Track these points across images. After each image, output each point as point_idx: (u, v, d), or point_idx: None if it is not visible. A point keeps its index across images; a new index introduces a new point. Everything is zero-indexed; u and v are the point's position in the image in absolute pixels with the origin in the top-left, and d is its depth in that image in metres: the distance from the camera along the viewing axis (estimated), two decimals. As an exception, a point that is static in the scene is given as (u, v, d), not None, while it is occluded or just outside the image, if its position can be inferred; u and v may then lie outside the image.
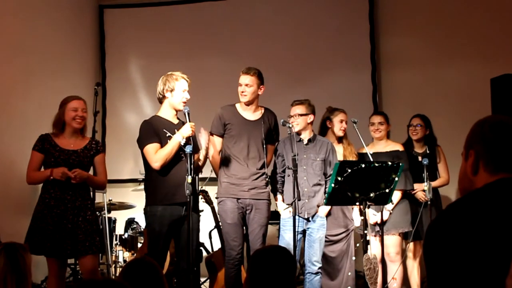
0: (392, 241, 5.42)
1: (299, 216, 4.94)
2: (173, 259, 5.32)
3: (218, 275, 5.60)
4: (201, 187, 5.66)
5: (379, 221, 5.33)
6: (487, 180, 1.60)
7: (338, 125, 5.45)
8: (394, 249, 5.44)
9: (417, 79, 7.27)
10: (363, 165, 4.47)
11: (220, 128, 5.00)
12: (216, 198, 5.02)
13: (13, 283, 2.81)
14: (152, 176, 4.67)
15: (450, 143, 5.80)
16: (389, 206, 5.35)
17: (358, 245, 5.37)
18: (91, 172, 4.70)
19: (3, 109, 5.82)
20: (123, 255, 6.11)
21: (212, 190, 6.00)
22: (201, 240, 5.31)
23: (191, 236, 4.42)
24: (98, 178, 4.71)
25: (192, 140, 4.64)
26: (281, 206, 5.05)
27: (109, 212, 6.13)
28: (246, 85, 4.93)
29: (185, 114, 4.61)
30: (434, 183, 5.63)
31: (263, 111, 5.09)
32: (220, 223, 5.88)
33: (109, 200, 6.18)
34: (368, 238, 4.71)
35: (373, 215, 5.35)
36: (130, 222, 6.47)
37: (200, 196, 5.52)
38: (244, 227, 4.96)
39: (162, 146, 4.59)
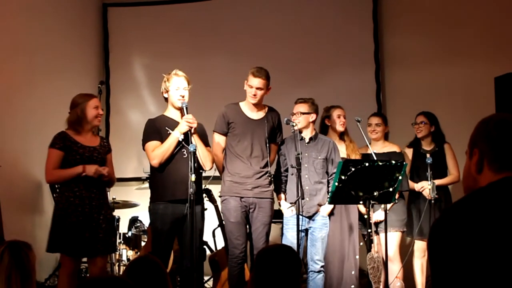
0: (390, 240, 5.41)
1: (300, 215, 4.95)
2: (177, 258, 5.33)
3: (222, 273, 5.60)
4: (205, 186, 5.65)
5: (377, 220, 5.34)
6: (491, 179, 1.60)
7: (337, 121, 5.46)
8: (392, 248, 5.44)
9: (421, 78, 7.25)
10: (366, 164, 4.47)
11: (224, 126, 5.00)
12: (220, 196, 5.02)
13: (17, 281, 2.82)
14: (155, 174, 4.70)
15: (454, 142, 5.80)
16: (387, 205, 5.35)
17: (361, 243, 5.37)
18: None
19: (6, 107, 5.82)
20: (127, 254, 6.11)
21: (215, 189, 6.00)
22: (204, 238, 5.31)
23: (195, 235, 4.43)
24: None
25: (197, 131, 4.66)
26: (284, 205, 5.06)
27: (112, 210, 6.13)
28: (258, 88, 4.92)
29: (183, 108, 4.63)
30: (443, 181, 5.62)
31: (266, 110, 5.09)
32: (223, 222, 5.90)
33: (113, 199, 6.19)
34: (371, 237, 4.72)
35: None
36: (133, 221, 6.48)
37: (204, 195, 5.51)
38: (247, 226, 4.96)
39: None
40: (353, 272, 5.28)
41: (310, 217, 5.03)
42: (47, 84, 6.50)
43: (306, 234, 5.06)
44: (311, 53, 7.52)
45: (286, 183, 5.13)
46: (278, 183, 5.12)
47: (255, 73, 4.94)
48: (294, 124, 4.96)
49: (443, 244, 1.48)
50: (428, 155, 5.54)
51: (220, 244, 6.15)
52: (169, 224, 4.60)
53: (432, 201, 5.21)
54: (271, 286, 2.69)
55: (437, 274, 1.49)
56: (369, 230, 4.69)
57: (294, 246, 4.65)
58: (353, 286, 5.27)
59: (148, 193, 4.90)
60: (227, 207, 4.90)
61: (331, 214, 5.14)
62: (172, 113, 4.79)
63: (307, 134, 5.16)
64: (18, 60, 6.10)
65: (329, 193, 4.67)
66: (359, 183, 4.48)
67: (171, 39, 7.77)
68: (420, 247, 5.64)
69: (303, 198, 4.82)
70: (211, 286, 5.81)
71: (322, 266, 5.03)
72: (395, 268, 5.42)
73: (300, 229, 4.90)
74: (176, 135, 4.57)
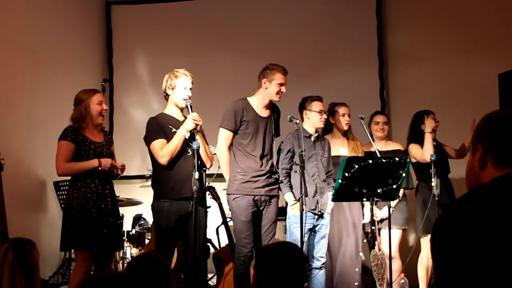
0: (392, 237, 5.41)
1: (312, 213, 4.95)
2: (181, 256, 5.33)
3: (225, 271, 5.60)
4: (208, 183, 5.65)
5: (383, 217, 5.33)
6: (494, 175, 1.59)
7: (341, 119, 5.45)
8: (394, 245, 5.43)
9: (424, 75, 7.24)
10: (370, 161, 4.46)
11: (236, 123, 4.90)
12: (229, 194, 4.94)
13: (21, 278, 2.82)
14: (159, 172, 4.69)
15: (458, 139, 5.79)
16: (392, 203, 5.35)
17: (365, 241, 5.37)
18: None
19: (10, 105, 5.84)
20: (131, 252, 6.12)
21: (219, 186, 6.01)
22: (208, 236, 5.31)
23: (198, 232, 4.43)
24: None
25: (200, 130, 4.67)
26: (291, 202, 5.02)
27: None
28: (285, 85, 4.96)
29: (187, 107, 4.62)
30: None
31: (270, 106, 5.09)
32: (227, 219, 5.90)
33: (117, 196, 6.18)
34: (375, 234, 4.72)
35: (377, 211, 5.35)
36: (137, 219, 6.49)
37: (207, 192, 5.51)
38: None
39: (168, 142, 4.61)
40: (356, 269, 5.29)
41: (322, 214, 5.04)
42: (50, 82, 6.51)
43: (311, 232, 5.06)
44: (315, 50, 7.52)
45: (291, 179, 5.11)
46: (284, 180, 5.09)
47: (284, 71, 4.97)
48: (297, 122, 4.96)
49: (446, 240, 1.48)
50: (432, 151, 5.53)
51: (224, 241, 6.15)
52: (174, 222, 4.59)
53: (436, 198, 5.19)
54: (275, 283, 2.69)
55: (440, 270, 1.49)
56: (373, 227, 4.68)
57: (300, 244, 4.66)
58: (356, 283, 5.27)
59: (151, 190, 4.89)
60: (239, 205, 4.84)
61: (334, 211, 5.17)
62: (172, 111, 4.78)
63: (314, 132, 5.17)
64: (22, 58, 6.11)
65: (333, 190, 4.66)
66: (363, 180, 4.48)
67: (175, 37, 7.78)
68: (425, 244, 5.63)
69: (306, 195, 4.82)
70: (215, 283, 5.81)
71: (323, 263, 5.04)
72: (396, 265, 5.41)
73: (309, 227, 4.92)
74: (182, 133, 4.57)
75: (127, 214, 6.53)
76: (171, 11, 7.90)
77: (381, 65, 7.38)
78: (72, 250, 5.65)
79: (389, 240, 5.06)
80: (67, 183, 5.99)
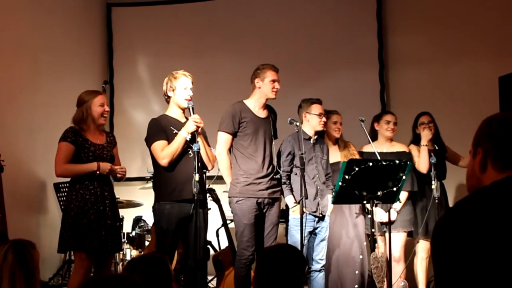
0: (397, 240, 5.41)
1: (313, 215, 4.95)
2: (181, 257, 5.33)
3: (226, 273, 5.60)
4: (208, 186, 5.65)
5: (386, 221, 5.33)
6: (495, 178, 1.59)
7: (333, 127, 5.45)
8: (399, 249, 5.43)
9: (425, 77, 7.25)
10: (370, 164, 4.46)
11: (235, 126, 4.88)
12: (230, 197, 4.90)
13: (21, 280, 2.82)
14: (160, 173, 4.68)
15: (458, 142, 5.78)
16: (397, 206, 5.35)
17: (365, 243, 5.37)
18: None
19: (11, 107, 5.84)
20: (131, 253, 6.12)
21: (219, 189, 6.00)
22: (208, 238, 5.31)
23: (199, 234, 4.43)
24: None
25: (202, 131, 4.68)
26: (292, 205, 5.02)
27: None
28: (279, 82, 4.94)
29: (189, 109, 4.63)
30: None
31: (267, 107, 5.08)
32: (227, 222, 5.90)
33: (117, 198, 6.18)
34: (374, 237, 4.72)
35: (379, 215, 5.34)
36: (137, 220, 6.49)
37: (208, 195, 5.51)
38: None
39: (169, 144, 4.61)
40: (356, 272, 5.28)
41: (323, 217, 5.04)
42: (51, 84, 6.52)
43: (311, 234, 5.06)
44: (315, 53, 7.52)
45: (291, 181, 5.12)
46: (285, 182, 5.09)
47: (274, 68, 4.97)
48: (297, 124, 4.96)
49: (447, 243, 1.48)
50: (432, 154, 5.52)
51: (224, 243, 6.15)
52: (175, 224, 4.59)
53: (436, 201, 5.19)
54: (275, 285, 2.69)
55: (440, 274, 1.49)
56: (373, 230, 4.67)
57: (300, 246, 4.66)
58: (356, 286, 5.27)
59: (152, 192, 4.89)
60: (242, 208, 4.81)
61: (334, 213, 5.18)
62: (174, 112, 4.78)
63: (313, 134, 5.17)
64: (23, 60, 6.11)
65: (333, 193, 4.66)
66: (363, 182, 4.47)
67: (175, 38, 7.78)
68: (424, 247, 5.62)
69: (307, 198, 4.82)
70: (215, 285, 5.81)
71: (323, 266, 5.04)
72: (399, 268, 5.41)
73: (309, 230, 4.92)
74: (184, 135, 4.57)
75: (127, 216, 6.53)
76: (171, 13, 7.91)
77: (381, 68, 7.38)
78: (72, 252, 5.65)
79: (389, 243, 5.05)
80: (67, 184, 6.01)
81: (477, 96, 6.79)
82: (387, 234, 5.39)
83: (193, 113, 4.60)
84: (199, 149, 4.41)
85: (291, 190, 5.03)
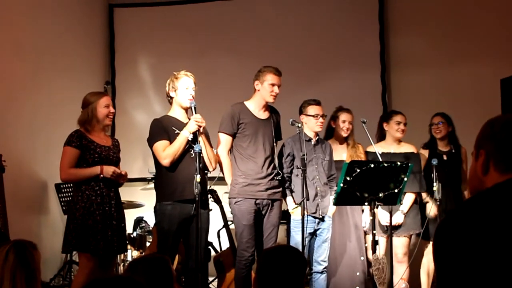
0: (401, 242, 5.41)
1: (312, 216, 4.95)
2: (182, 258, 5.33)
3: (226, 274, 5.60)
4: (210, 187, 5.65)
5: (398, 223, 5.31)
6: (497, 180, 1.59)
7: (340, 125, 5.44)
8: (402, 250, 5.43)
9: (426, 79, 7.24)
10: (372, 165, 4.46)
11: (233, 127, 4.90)
12: (230, 198, 4.92)
13: (22, 280, 2.82)
14: (162, 173, 4.69)
15: (461, 143, 5.78)
16: (405, 208, 5.33)
17: (366, 245, 5.36)
18: None
19: (12, 107, 5.84)
20: (132, 254, 6.12)
21: (220, 190, 6.00)
22: (209, 239, 5.31)
23: (200, 235, 4.43)
24: None
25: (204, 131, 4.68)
26: (291, 206, 5.03)
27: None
28: (279, 86, 4.93)
29: (191, 108, 4.63)
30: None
31: (268, 109, 5.08)
32: (228, 223, 5.89)
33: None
34: (376, 238, 4.71)
35: (384, 216, 5.32)
36: (138, 221, 6.48)
37: (209, 195, 5.50)
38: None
39: (171, 144, 4.61)
40: (358, 273, 5.28)
41: (323, 218, 5.04)
42: (53, 84, 6.52)
43: (312, 236, 5.05)
44: (317, 54, 7.52)
45: (292, 183, 5.12)
46: (285, 184, 5.09)
47: (276, 71, 4.95)
48: (299, 125, 4.96)
49: (449, 245, 1.48)
50: (445, 157, 5.51)
51: (225, 244, 6.15)
52: (176, 225, 4.59)
53: (438, 203, 5.18)
54: (276, 286, 2.68)
55: (442, 275, 1.49)
56: (374, 232, 4.67)
57: (301, 248, 4.65)
58: (357, 287, 5.27)
59: (153, 193, 4.89)
60: (241, 209, 4.82)
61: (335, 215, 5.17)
62: (177, 113, 4.79)
63: (313, 135, 5.17)
64: (24, 60, 6.11)
65: (335, 194, 4.66)
66: (365, 184, 4.47)
67: (177, 39, 7.78)
68: (430, 249, 5.60)
69: (308, 199, 4.82)
70: (216, 286, 5.81)
71: (325, 267, 5.03)
72: (402, 269, 5.40)
73: (310, 231, 4.91)
74: (185, 135, 4.57)
75: (128, 216, 6.49)
76: (173, 14, 7.91)
77: (383, 70, 7.38)
78: (74, 253, 5.66)
79: (390, 244, 5.05)
80: (69, 185, 6.02)
81: (478, 98, 6.78)
82: (394, 238, 5.38)
83: (195, 113, 4.61)
84: (201, 150, 4.41)
85: (291, 192, 5.03)
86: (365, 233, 5.40)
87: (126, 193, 6.65)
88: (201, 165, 4.42)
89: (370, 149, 5.49)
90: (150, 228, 6.27)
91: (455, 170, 5.61)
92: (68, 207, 4.76)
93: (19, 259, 2.83)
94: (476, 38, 7.01)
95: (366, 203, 4.63)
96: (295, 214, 4.97)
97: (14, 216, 5.08)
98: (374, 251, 4.67)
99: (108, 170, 4.50)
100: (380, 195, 4.53)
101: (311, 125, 5.14)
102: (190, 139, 4.57)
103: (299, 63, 7.46)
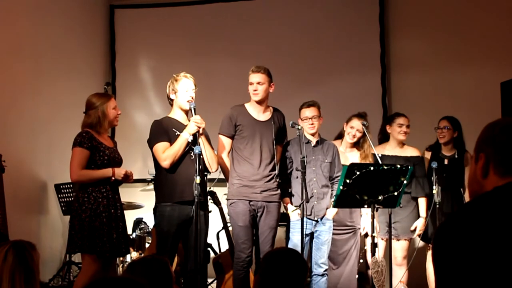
0: (400, 245, 5.41)
1: (308, 218, 4.94)
2: (181, 260, 5.33)
3: (226, 276, 5.60)
4: (209, 188, 5.65)
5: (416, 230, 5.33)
6: (497, 183, 1.59)
7: (347, 130, 5.44)
8: (401, 253, 5.43)
9: (427, 82, 7.24)
10: (371, 168, 4.45)
11: (231, 129, 4.94)
12: (227, 199, 4.96)
13: (21, 281, 2.82)
14: (161, 175, 4.70)
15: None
16: (423, 213, 5.40)
17: (365, 247, 5.36)
18: None
19: (13, 108, 5.84)
20: (131, 255, 6.12)
21: (220, 191, 6.00)
22: (208, 241, 5.30)
23: (199, 237, 4.43)
24: None
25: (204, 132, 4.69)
26: (290, 208, 5.04)
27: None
28: (258, 83, 4.91)
29: (191, 110, 4.64)
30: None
31: (272, 110, 5.08)
32: (228, 225, 5.89)
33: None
34: (376, 241, 4.70)
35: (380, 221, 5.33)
36: (138, 222, 6.48)
37: (208, 197, 5.51)
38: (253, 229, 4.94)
39: (171, 145, 4.62)
40: (356, 276, 5.28)
41: (318, 221, 5.03)
42: (53, 85, 6.52)
43: (311, 238, 5.05)
44: (317, 56, 7.52)
45: (290, 185, 5.11)
46: (284, 186, 5.09)
47: (253, 69, 4.96)
48: (299, 127, 4.95)
49: (448, 248, 1.48)
50: (446, 161, 5.50)
51: (224, 246, 6.15)
52: (176, 226, 4.60)
53: (437, 206, 5.17)
54: (276, 288, 2.69)
55: (441, 279, 1.49)
56: (373, 234, 4.67)
57: (299, 250, 4.65)
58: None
59: (152, 194, 4.89)
60: (236, 210, 4.84)
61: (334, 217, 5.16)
62: (177, 114, 4.80)
63: (314, 137, 5.16)
64: (25, 61, 6.12)
65: (334, 197, 4.65)
66: (364, 186, 4.47)
67: (177, 41, 7.79)
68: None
69: (307, 201, 4.82)
70: (215, 288, 5.81)
71: (325, 270, 5.03)
72: (401, 272, 5.40)
73: (306, 232, 4.90)
74: (185, 136, 4.58)
75: (128, 218, 6.47)
76: (174, 16, 7.91)
77: (383, 72, 7.38)
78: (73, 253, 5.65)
79: (389, 248, 5.05)
80: (69, 185, 6.03)
81: (479, 101, 6.78)
82: (394, 242, 5.38)
83: (195, 114, 4.61)
84: (201, 151, 4.42)
85: (290, 194, 5.04)
86: (365, 236, 5.40)
87: (126, 194, 6.65)
88: (200, 167, 4.42)
89: (377, 151, 5.49)
90: (150, 230, 6.26)
91: (455, 175, 5.57)
92: (71, 208, 4.74)
93: (18, 260, 2.83)
94: (476, 41, 7.01)
95: (365, 206, 4.62)
96: (293, 216, 4.98)
97: (13, 217, 5.08)
98: (373, 253, 4.66)
99: (120, 172, 4.52)
100: (380, 197, 4.52)
101: (306, 128, 5.15)
102: (190, 141, 4.57)
103: (299, 65, 7.47)
